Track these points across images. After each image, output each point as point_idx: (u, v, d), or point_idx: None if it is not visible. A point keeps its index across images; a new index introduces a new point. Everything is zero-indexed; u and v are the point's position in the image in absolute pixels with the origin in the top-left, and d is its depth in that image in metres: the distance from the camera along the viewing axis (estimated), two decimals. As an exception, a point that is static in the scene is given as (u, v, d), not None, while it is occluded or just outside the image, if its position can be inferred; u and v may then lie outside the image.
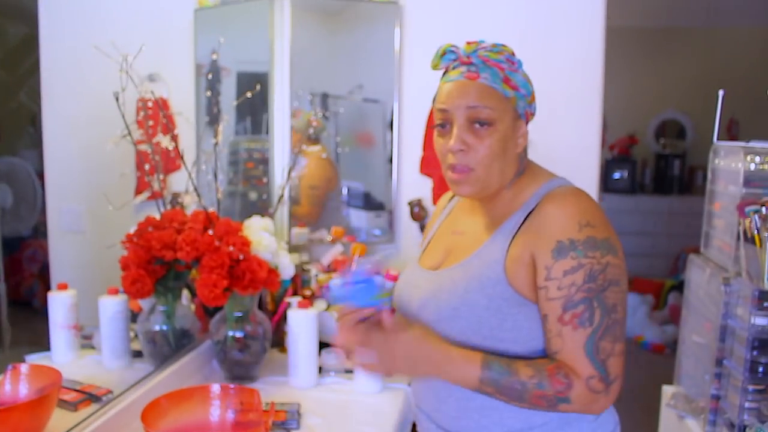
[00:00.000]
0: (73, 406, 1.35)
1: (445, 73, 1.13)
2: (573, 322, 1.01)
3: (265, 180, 2.24)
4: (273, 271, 1.69)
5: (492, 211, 1.15)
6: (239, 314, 1.70)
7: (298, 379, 1.71)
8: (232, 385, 1.35)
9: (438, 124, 1.12)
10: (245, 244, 1.63)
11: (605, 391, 1.01)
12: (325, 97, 2.33)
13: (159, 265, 1.62)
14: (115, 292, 1.62)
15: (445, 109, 1.09)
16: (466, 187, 1.10)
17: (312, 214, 2.34)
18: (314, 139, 2.28)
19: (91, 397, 1.39)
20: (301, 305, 1.73)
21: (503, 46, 1.11)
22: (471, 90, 1.07)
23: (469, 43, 1.11)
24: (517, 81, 1.09)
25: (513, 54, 1.11)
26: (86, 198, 1.83)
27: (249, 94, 2.01)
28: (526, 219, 1.08)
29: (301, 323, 1.69)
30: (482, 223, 1.15)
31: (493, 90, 1.07)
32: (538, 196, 1.10)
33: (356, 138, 2.43)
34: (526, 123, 1.13)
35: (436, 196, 2.25)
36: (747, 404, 1.58)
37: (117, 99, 1.54)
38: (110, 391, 1.42)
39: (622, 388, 1.04)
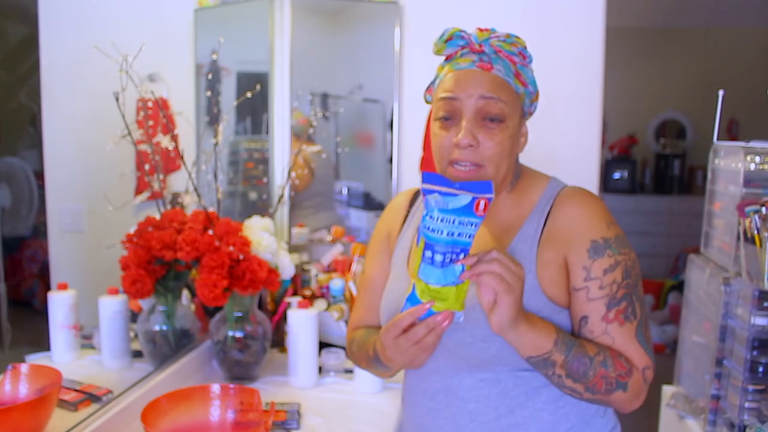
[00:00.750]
0: (73, 406, 1.34)
1: (448, 60, 1.03)
2: (619, 318, 0.99)
3: (265, 180, 2.24)
4: (273, 271, 1.69)
5: (496, 217, 1.07)
6: (239, 314, 1.70)
7: (298, 379, 1.71)
8: (232, 385, 1.35)
9: (441, 116, 1.01)
10: (245, 244, 1.63)
11: (648, 384, 1.00)
12: (325, 97, 2.33)
13: (159, 265, 1.62)
14: (115, 292, 1.62)
15: (455, 98, 0.99)
16: None
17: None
18: (310, 140, 2.28)
19: (91, 397, 1.39)
20: (301, 305, 1.73)
21: (516, 37, 1.02)
22: (484, 80, 0.98)
23: (481, 30, 1.02)
24: (527, 77, 1.03)
25: (525, 47, 1.03)
26: (86, 198, 1.83)
27: (249, 94, 2.01)
28: (545, 222, 1.03)
29: (301, 323, 1.69)
30: (488, 229, 1.07)
31: (506, 84, 0.99)
32: (548, 198, 1.05)
33: (356, 138, 2.42)
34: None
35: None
36: (747, 404, 1.57)
37: (117, 99, 1.54)
38: (110, 391, 1.42)
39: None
